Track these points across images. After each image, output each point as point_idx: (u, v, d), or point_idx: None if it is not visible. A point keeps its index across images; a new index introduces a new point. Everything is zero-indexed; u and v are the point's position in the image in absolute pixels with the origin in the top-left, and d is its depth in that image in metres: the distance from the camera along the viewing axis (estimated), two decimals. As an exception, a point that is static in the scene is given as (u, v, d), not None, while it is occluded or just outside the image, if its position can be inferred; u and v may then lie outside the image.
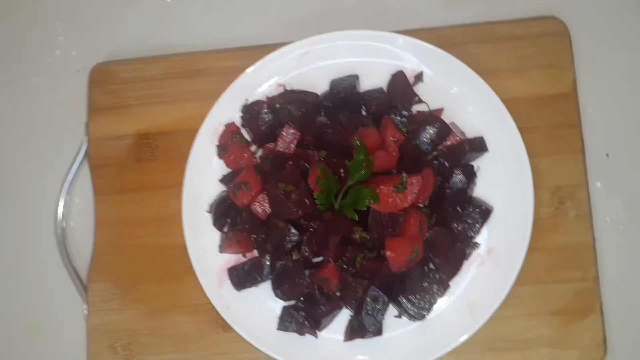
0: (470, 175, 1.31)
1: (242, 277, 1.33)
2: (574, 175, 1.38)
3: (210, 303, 1.34)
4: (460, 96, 1.36)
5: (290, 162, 1.27)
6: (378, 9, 1.52)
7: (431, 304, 1.29)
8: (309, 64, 1.38)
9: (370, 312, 1.28)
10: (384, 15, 1.51)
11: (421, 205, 1.32)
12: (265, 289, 1.34)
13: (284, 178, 1.25)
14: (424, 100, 1.37)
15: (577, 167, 1.38)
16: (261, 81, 1.39)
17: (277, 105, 1.33)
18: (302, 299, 1.33)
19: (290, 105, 1.32)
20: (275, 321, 1.33)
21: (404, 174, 1.23)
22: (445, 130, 1.29)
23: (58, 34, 1.59)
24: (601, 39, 1.47)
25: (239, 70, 1.39)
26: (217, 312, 1.34)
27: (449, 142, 1.32)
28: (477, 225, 1.31)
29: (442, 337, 1.30)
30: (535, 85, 1.41)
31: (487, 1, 1.49)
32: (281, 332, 1.33)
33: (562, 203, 1.38)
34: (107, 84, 1.50)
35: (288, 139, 1.30)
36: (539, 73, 1.41)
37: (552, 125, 1.40)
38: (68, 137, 1.53)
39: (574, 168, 1.38)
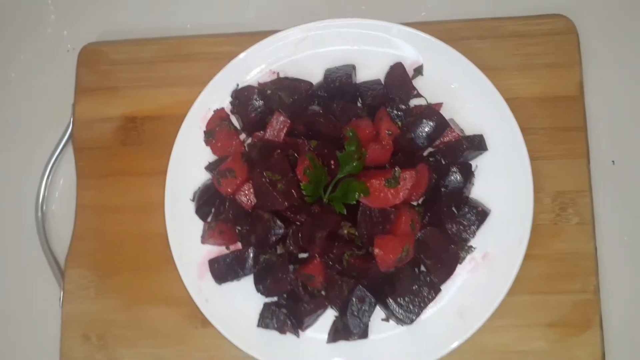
0: (468, 174, 1.24)
1: (223, 270, 1.27)
2: (577, 181, 1.31)
3: (189, 296, 1.29)
4: (461, 92, 1.31)
5: (279, 151, 1.21)
6: (381, 0, 1.47)
7: (421, 308, 1.22)
8: (305, 51, 1.33)
9: (355, 313, 1.21)
10: (387, 5, 1.47)
11: (415, 203, 1.26)
12: (247, 283, 1.28)
13: (270, 166, 1.19)
14: (422, 94, 1.32)
15: (581, 172, 1.32)
16: (254, 67, 1.35)
17: (268, 92, 1.28)
18: (285, 295, 1.27)
19: (282, 92, 1.26)
20: (256, 318, 1.27)
21: (397, 168, 1.17)
22: (442, 124, 1.23)
23: (50, 12, 1.56)
24: (610, 41, 1.42)
25: (232, 56, 1.35)
26: (197, 306, 1.28)
27: (446, 139, 1.26)
28: (473, 227, 1.24)
29: (431, 344, 1.23)
30: (540, 85, 1.35)
31: (494, -3, 1.44)
32: (261, 330, 1.26)
33: (563, 210, 1.31)
34: (97, 65, 1.45)
35: (278, 126, 1.25)
36: (544, 72, 1.35)
37: (556, 128, 1.33)
38: (55, 119, 1.48)
39: (578, 173, 1.32)
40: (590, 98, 1.37)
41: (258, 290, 1.26)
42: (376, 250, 1.17)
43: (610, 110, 1.39)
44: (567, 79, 1.34)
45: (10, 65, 1.55)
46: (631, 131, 1.38)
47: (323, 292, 1.24)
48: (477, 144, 1.26)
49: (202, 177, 1.33)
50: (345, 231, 1.21)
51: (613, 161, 1.38)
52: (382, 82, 1.32)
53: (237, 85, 1.33)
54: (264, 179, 1.18)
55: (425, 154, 1.28)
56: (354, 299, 1.21)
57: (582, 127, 1.33)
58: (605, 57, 1.41)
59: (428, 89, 1.32)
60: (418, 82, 1.32)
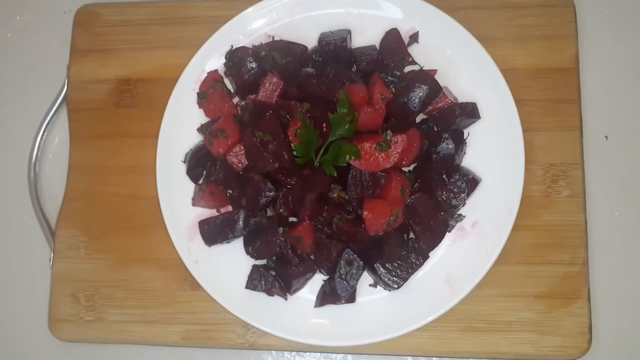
0: (459, 141, 1.24)
1: (213, 232, 1.27)
2: (569, 153, 1.32)
3: (179, 259, 1.29)
4: (455, 60, 1.31)
5: (271, 111, 1.21)
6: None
7: (408, 274, 1.23)
8: (300, 14, 1.33)
9: (343, 277, 1.21)
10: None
11: (406, 169, 1.26)
12: (236, 246, 1.29)
13: (262, 127, 1.19)
14: (417, 61, 1.31)
15: (574, 144, 1.32)
16: (250, 30, 1.35)
17: (262, 53, 1.27)
18: (274, 259, 1.27)
19: (276, 53, 1.26)
20: (244, 281, 1.27)
21: (389, 132, 1.17)
22: (435, 88, 1.23)
23: (47, -28, 1.55)
24: (607, 15, 1.41)
25: (227, 20, 1.35)
26: (186, 269, 1.28)
27: (439, 105, 1.25)
28: (463, 195, 1.24)
29: (418, 310, 1.23)
30: (535, 56, 1.35)
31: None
32: (250, 293, 1.26)
33: (554, 181, 1.31)
34: (92, 26, 1.46)
35: (270, 87, 1.24)
36: (539, 44, 1.35)
37: (550, 100, 1.34)
38: (50, 80, 1.48)
39: (570, 146, 1.32)
40: (586, 73, 1.37)
41: (247, 252, 1.26)
42: (365, 213, 1.17)
43: (605, 85, 1.39)
44: (562, 51, 1.34)
45: (6, 26, 1.55)
46: (625, 107, 1.38)
47: (312, 257, 1.24)
48: (470, 111, 1.25)
49: (194, 139, 1.34)
50: (336, 194, 1.21)
51: (606, 136, 1.38)
52: (377, 47, 1.31)
53: (232, 46, 1.33)
54: (255, 139, 1.18)
55: (418, 121, 1.28)
56: (342, 262, 1.21)
57: (575, 100, 1.33)
58: (602, 32, 1.41)
59: (423, 57, 1.32)
60: (413, 50, 1.32)
